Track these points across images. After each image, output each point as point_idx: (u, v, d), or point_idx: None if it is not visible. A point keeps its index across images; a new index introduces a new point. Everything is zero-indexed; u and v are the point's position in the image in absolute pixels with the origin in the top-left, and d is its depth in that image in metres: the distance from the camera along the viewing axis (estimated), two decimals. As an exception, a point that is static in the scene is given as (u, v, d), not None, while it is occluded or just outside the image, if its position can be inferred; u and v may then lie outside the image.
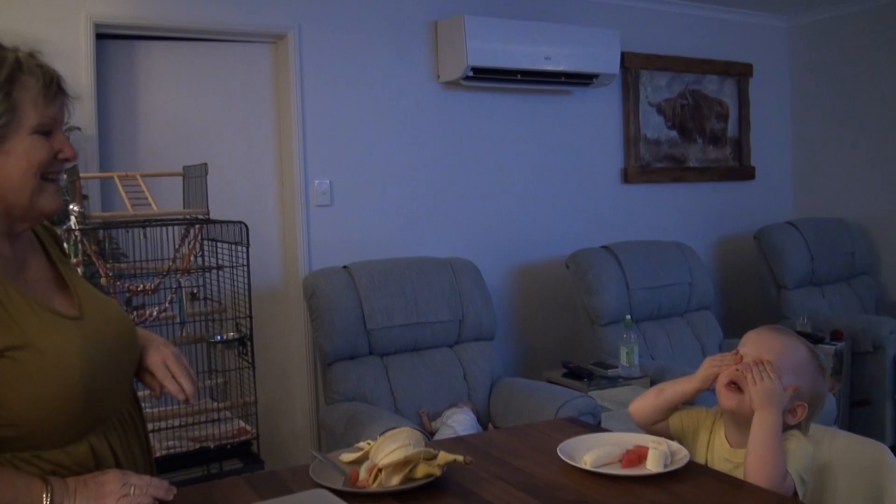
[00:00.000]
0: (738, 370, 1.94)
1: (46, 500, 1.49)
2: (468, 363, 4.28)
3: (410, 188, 4.81)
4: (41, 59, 1.63)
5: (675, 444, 1.89)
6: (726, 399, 1.96)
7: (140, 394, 1.90)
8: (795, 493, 1.84)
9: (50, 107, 1.60)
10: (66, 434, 1.59)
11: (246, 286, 3.51)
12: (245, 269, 3.50)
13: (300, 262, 4.44)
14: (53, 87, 1.61)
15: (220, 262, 3.59)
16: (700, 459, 2.01)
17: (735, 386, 1.94)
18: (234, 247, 3.52)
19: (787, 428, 1.93)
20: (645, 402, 2.12)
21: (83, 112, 3.87)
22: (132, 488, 1.57)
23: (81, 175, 3.34)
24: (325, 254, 4.47)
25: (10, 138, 1.55)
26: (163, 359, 1.81)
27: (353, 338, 4.02)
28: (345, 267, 4.20)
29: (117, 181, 3.44)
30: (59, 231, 2.95)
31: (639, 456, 1.81)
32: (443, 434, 3.77)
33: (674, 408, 2.10)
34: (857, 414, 5.08)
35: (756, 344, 1.98)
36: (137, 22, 4.05)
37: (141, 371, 1.83)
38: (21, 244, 1.69)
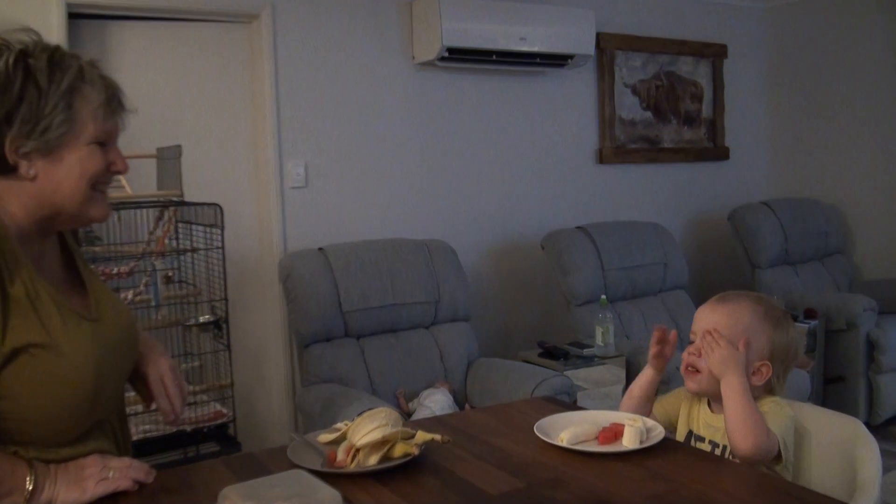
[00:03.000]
0: (690, 353, 2.03)
1: (30, 484, 1.50)
2: (444, 344, 4.29)
3: (386, 170, 4.79)
4: (102, 68, 1.64)
5: (650, 422, 1.90)
6: (689, 383, 2.05)
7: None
8: (779, 455, 1.87)
9: (109, 120, 1.63)
10: (69, 433, 1.61)
11: (221, 269, 3.50)
12: (220, 251, 3.49)
13: (275, 245, 4.42)
14: (115, 102, 1.63)
15: (194, 244, 3.58)
16: (699, 431, 2.07)
17: (693, 368, 2.02)
18: (208, 229, 3.51)
19: (760, 394, 1.99)
20: (625, 406, 2.16)
21: None
22: (111, 471, 1.58)
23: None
24: (300, 236, 4.46)
25: (65, 147, 1.56)
26: (160, 374, 1.83)
27: (329, 320, 4.02)
28: (320, 249, 4.19)
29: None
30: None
31: (615, 433, 1.82)
32: (420, 415, 3.77)
33: (648, 397, 2.15)
34: (831, 391, 5.14)
35: (702, 319, 2.06)
36: (110, 1, 3.99)
37: (135, 378, 1.85)
38: (48, 242, 1.70)
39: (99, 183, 1.64)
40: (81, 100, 1.57)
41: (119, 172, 1.68)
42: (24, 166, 1.55)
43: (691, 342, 2.07)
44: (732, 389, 1.91)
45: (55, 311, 1.57)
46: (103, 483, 1.56)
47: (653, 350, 2.11)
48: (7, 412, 1.53)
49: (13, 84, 1.51)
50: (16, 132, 1.52)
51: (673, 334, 2.12)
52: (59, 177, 1.57)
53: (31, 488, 1.50)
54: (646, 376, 2.13)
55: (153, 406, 1.86)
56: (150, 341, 1.90)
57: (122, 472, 1.59)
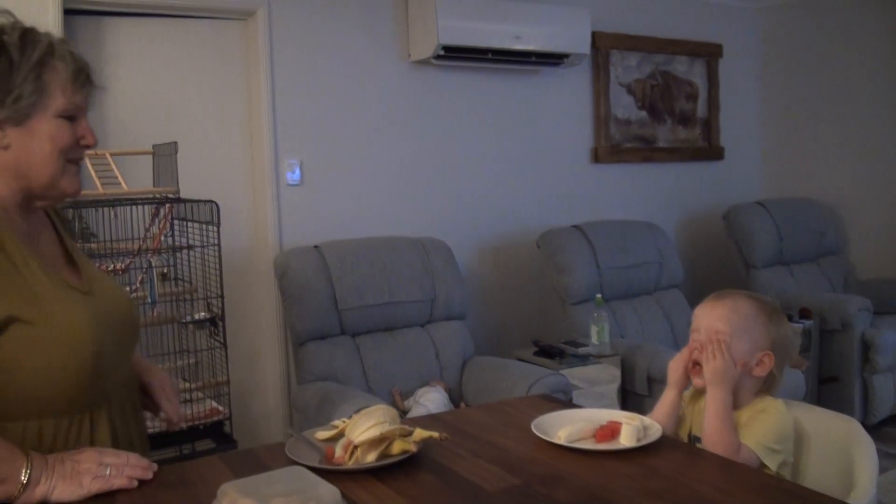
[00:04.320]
0: (694, 349, 2.06)
1: (25, 476, 1.51)
2: (440, 342, 4.29)
3: (381, 168, 4.79)
4: (72, 46, 1.70)
5: (647, 420, 1.91)
6: (695, 380, 2.07)
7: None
8: (763, 465, 1.88)
9: (77, 94, 1.67)
10: (71, 404, 1.63)
11: (217, 266, 3.49)
12: (216, 248, 3.49)
13: (271, 242, 4.42)
14: (83, 76, 1.68)
15: (190, 241, 3.57)
16: (695, 431, 2.08)
17: (700, 366, 2.04)
18: (204, 226, 3.50)
19: (759, 389, 2.04)
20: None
21: None
22: (108, 468, 1.58)
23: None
24: (296, 233, 4.45)
25: (34, 117, 1.62)
26: (161, 384, 1.96)
27: (325, 318, 4.02)
28: (316, 247, 4.19)
29: (87, 160, 3.40)
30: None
31: (612, 431, 1.83)
32: (415, 413, 3.77)
33: (671, 415, 2.11)
34: (826, 391, 5.14)
35: (703, 316, 2.09)
36: (105, -2, 4.00)
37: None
38: (35, 219, 1.76)
39: (70, 157, 1.69)
40: (51, 72, 1.63)
41: (88, 147, 1.72)
42: None
43: (691, 339, 2.08)
44: (716, 403, 1.96)
45: (46, 280, 1.61)
46: (98, 481, 1.56)
47: (681, 366, 2.09)
48: (7, 384, 1.56)
49: None
50: None
51: None
52: (31, 147, 1.63)
53: (25, 480, 1.50)
54: (668, 396, 2.11)
55: (161, 414, 1.96)
56: (147, 363, 2.04)
57: (118, 470, 1.58)
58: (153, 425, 3.27)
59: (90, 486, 1.55)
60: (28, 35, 1.64)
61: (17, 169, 1.64)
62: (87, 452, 1.59)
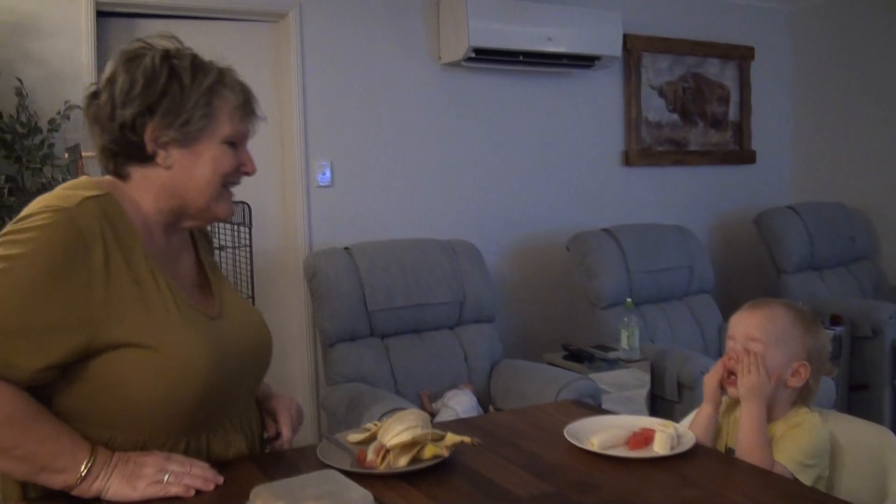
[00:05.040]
0: (730, 359, 2.04)
1: (84, 469, 1.53)
2: (469, 345, 4.28)
3: (411, 169, 4.80)
4: (239, 75, 1.77)
5: (682, 428, 1.89)
6: (730, 389, 2.04)
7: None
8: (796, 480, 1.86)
9: (243, 122, 1.74)
10: (167, 432, 1.63)
11: (248, 267, 3.51)
12: (248, 249, 3.51)
13: (301, 243, 4.43)
14: (249, 107, 1.75)
15: (222, 242, 3.59)
16: (731, 444, 2.05)
17: (734, 375, 2.02)
18: (236, 227, 3.52)
19: (795, 400, 2.02)
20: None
21: (84, 90, 3.85)
22: (167, 475, 1.57)
23: (83, 154, 3.33)
24: (326, 235, 4.47)
25: (202, 142, 1.67)
26: (289, 409, 1.95)
27: (354, 319, 4.02)
28: (346, 248, 4.19)
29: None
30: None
31: (645, 438, 1.81)
32: (443, 415, 3.77)
33: (708, 429, 2.07)
34: (856, 398, 5.09)
35: (739, 325, 2.07)
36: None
37: (263, 412, 1.94)
38: (177, 239, 1.78)
39: (228, 182, 1.74)
40: (220, 100, 1.69)
41: (248, 174, 1.77)
42: (161, 156, 1.66)
43: (728, 348, 2.07)
44: (750, 418, 1.94)
45: (174, 308, 1.62)
46: (154, 486, 1.56)
47: (715, 380, 2.07)
48: (113, 398, 1.57)
49: (158, 80, 1.64)
50: (157, 122, 1.63)
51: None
52: (193, 169, 1.67)
53: (83, 473, 1.52)
54: (704, 411, 2.07)
55: (278, 442, 1.92)
56: (275, 388, 2.04)
57: (177, 478, 1.57)
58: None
59: (144, 490, 1.55)
60: (198, 61, 1.71)
61: (174, 189, 1.67)
62: (154, 456, 1.60)
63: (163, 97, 1.63)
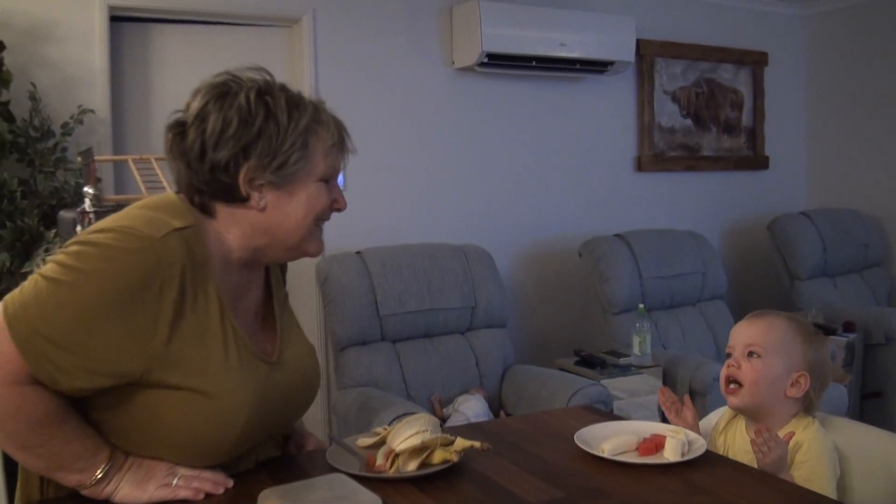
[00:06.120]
0: (730, 366, 2.03)
1: (101, 472, 1.54)
2: (480, 350, 4.27)
3: (424, 174, 4.80)
4: (330, 108, 1.73)
5: (692, 434, 1.88)
6: (730, 399, 2.05)
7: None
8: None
9: (337, 159, 1.70)
10: (200, 460, 1.62)
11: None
12: (259, 253, 3.50)
13: (313, 248, 4.42)
14: (343, 143, 1.71)
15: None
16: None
17: (735, 385, 2.02)
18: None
19: (797, 410, 2.01)
20: None
21: (97, 95, 3.89)
22: (176, 478, 1.58)
23: (96, 158, 3.33)
24: (338, 239, 4.45)
25: (298, 183, 1.63)
26: (317, 446, 1.93)
27: (366, 323, 4.02)
28: (358, 252, 4.19)
29: (131, 164, 3.43)
30: (73, 214, 2.97)
31: (656, 445, 1.81)
32: (454, 420, 3.77)
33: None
34: (869, 406, 5.07)
35: (739, 334, 2.07)
36: (152, 4, 4.05)
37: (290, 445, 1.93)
38: (251, 273, 1.74)
39: (320, 219, 1.70)
40: (316, 139, 1.64)
41: (339, 210, 1.73)
42: (255, 197, 1.61)
43: (728, 356, 2.07)
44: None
45: (233, 350, 1.59)
46: (163, 489, 1.56)
47: (670, 416, 2.11)
48: (147, 430, 1.56)
49: (255, 119, 1.57)
50: (253, 164, 1.58)
51: (686, 399, 2.14)
52: (287, 210, 1.63)
53: (100, 476, 1.53)
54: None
55: None
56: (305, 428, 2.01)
57: (186, 481, 1.58)
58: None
59: (154, 493, 1.56)
60: (293, 98, 1.64)
61: (266, 228, 1.64)
62: (166, 461, 1.60)
63: (258, 138, 1.58)
